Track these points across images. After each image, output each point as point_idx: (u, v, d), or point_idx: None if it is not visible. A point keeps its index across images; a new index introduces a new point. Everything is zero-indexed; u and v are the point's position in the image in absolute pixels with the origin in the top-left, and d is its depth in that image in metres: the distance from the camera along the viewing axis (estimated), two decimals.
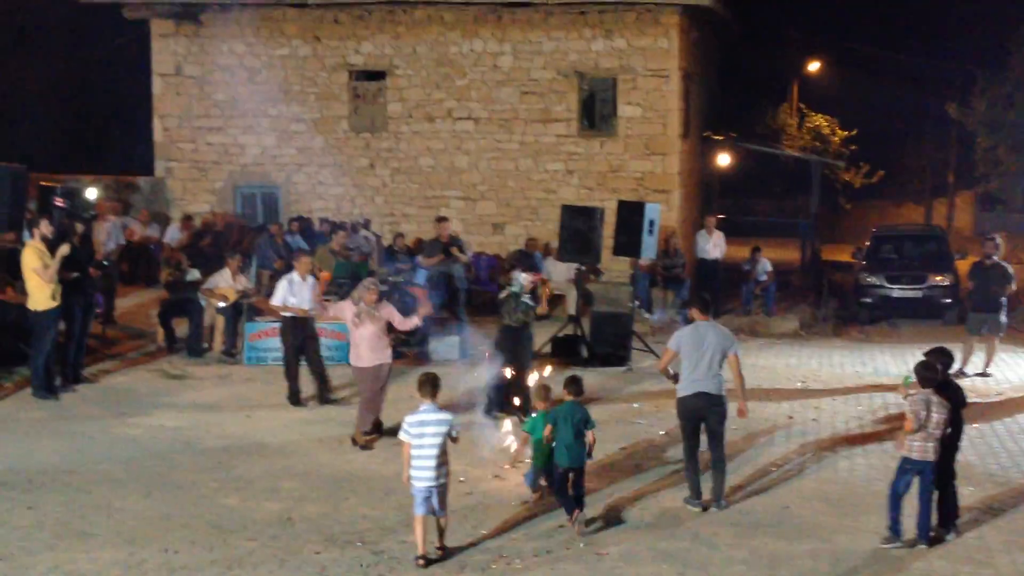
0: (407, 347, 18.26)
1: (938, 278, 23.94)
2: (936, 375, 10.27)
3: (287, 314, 15.08)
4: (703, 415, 11.40)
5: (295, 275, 15.19)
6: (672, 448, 13.23)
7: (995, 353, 18.13)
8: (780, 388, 16.88)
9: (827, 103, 42.47)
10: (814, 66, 43.57)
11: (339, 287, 18.32)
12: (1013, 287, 18.06)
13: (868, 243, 26.25)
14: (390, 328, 13.60)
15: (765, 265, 23.87)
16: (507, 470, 12.27)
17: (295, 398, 15.29)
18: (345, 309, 13.48)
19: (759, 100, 41.84)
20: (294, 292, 15.02)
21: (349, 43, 25.02)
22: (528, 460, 11.59)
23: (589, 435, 10.85)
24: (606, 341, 18.19)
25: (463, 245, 19.32)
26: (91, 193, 18.87)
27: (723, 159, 31.23)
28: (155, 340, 18.52)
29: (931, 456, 10.15)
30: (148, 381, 16.56)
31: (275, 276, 21.04)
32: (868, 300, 24.15)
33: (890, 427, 14.02)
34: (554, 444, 10.83)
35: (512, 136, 24.57)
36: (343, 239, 19.48)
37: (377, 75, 25.12)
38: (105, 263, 18.02)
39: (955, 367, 17.57)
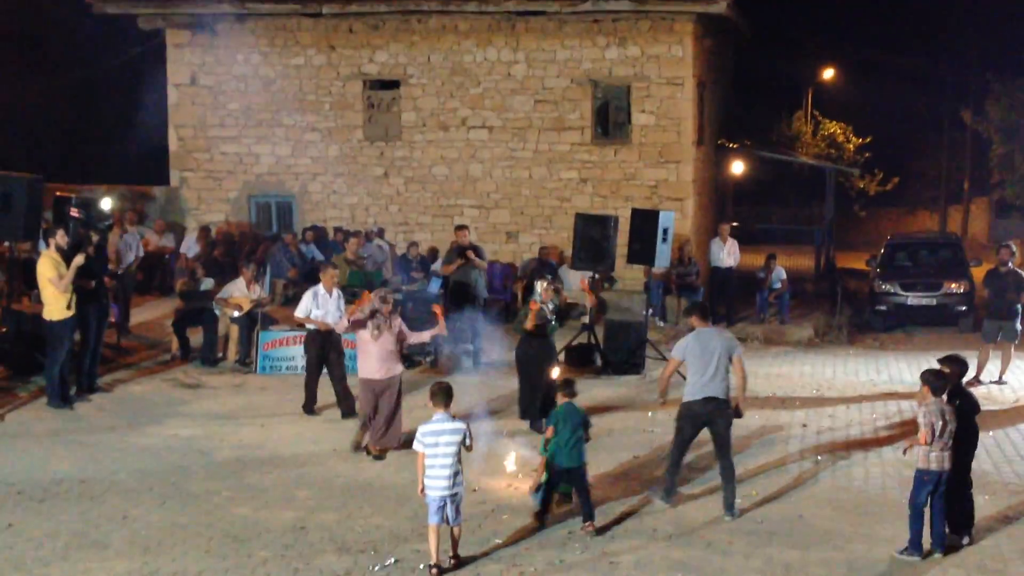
0: (421, 356, 18.28)
1: (953, 285, 23.86)
2: (946, 382, 10.24)
3: (311, 326, 15.04)
4: (709, 420, 11.46)
5: (320, 288, 15.09)
6: (687, 457, 13.20)
7: (1011, 360, 18.06)
8: (795, 396, 16.85)
9: (841, 110, 42.42)
10: (828, 73, 43.52)
11: (352, 296, 18.32)
12: None
13: (883, 250, 26.16)
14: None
15: (780, 273, 23.83)
16: (520, 479, 12.25)
17: (310, 408, 15.25)
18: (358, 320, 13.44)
19: (773, 108, 41.78)
20: (319, 304, 14.95)
21: (363, 52, 25.08)
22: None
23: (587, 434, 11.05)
24: (620, 349, 18.19)
25: (482, 252, 19.35)
26: (106, 203, 18.91)
27: (737, 167, 31.21)
28: (170, 349, 18.56)
29: (947, 465, 10.11)
30: (162, 390, 16.60)
31: (289, 285, 21.16)
32: (883, 308, 24.08)
33: (904, 434, 13.95)
34: (553, 445, 10.97)
35: (526, 144, 24.59)
36: (355, 246, 19.49)
37: (391, 84, 25.17)
38: (119, 272, 18.06)
39: (970, 375, 17.66)
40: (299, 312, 15.13)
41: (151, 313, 20.09)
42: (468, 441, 9.94)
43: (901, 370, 19.02)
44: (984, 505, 11.47)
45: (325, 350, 14.99)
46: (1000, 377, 17.82)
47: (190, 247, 23.49)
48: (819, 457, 13.46)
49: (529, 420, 14.38)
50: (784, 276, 23.92)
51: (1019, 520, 11.27)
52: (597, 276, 19.72)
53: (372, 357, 13.16)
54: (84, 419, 14.80)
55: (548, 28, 24.27)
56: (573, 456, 10.87)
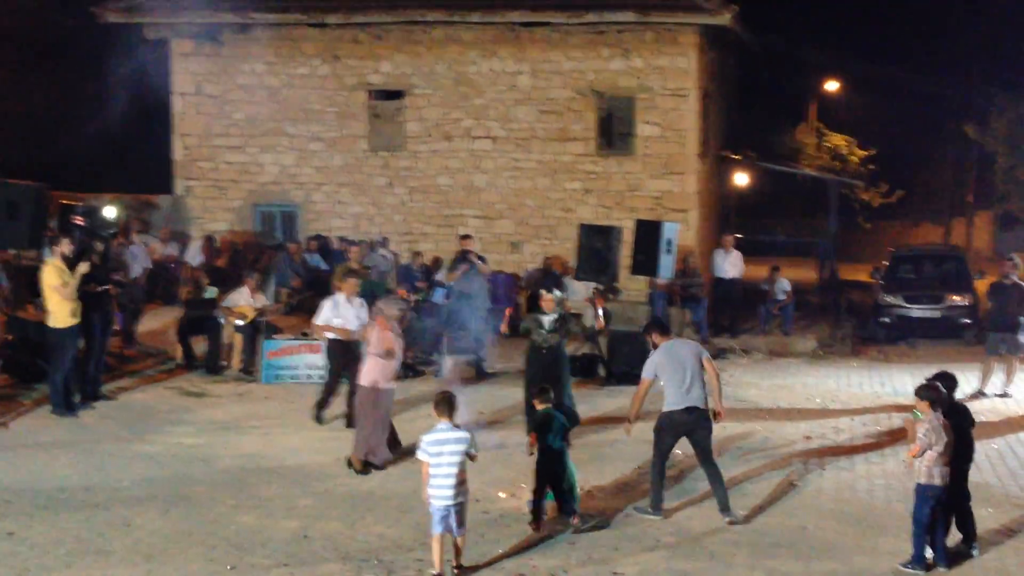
0: (425, 365, 18.28)
1: (957, 298, 23.87)
2: (943, 396, 10.24)
3: (330, 335, 15.02)
4: (690, 429, 11.54)
5: (340, 296, 15.01)
6: (691, 470, 13.21)
7: (1015, 373, 18.02)
8: (798, 407, 16.85)
9: (846, 123, 42.47)
10: (832, 86, 43.55)
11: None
12: None
13: (886, 263, 26.18)
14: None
15: (784, 284, 23.83)
16: (523, 489, 12.24)
17: (319, 415, 15.09)
18: (369, 330, 13.41)
19: (777, 119, 41.83)
20: (339, 313, 14.85)
21: (368, 63, 25.13)
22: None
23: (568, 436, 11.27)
24: (624, 360, 18.17)
25: (485, 260, 19.40)
26: (110, 212, 19.00)
27: (741, 178, 31.27)
28: (174, 357, 18.57)
29: (948, 479, 10.11)
30: (166, 398, 16.61)
31: (293, 294, 21.18)
32: (886, 320, 24.08)
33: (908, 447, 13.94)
34: (533, 452, 11.16)
35: (530, 155, 24.62)
36: (357, 254, 19.51)
37: (396, 94, 25.22)
38: (123, 281, 18.08)
39: (975, 388, 17.68)
40: (318, 319, 15.04)
41: (155, 322, 20.10)
42: (472, 451, 9.94)
43: (905, 382, 18.96)
44: (988, 518, 11.45)
45: (345, 360, 14.74)
46: (1004, 390, 17.79)
47: (194, 256, 23.51)
48: (823, 469, 13.44)
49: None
50: (788, 288, 23.93)
51: (1023, 533, 11.24)
52: (601, 287, 19.72)
53: (377, 363, 13.13)
54: (88, 427, 14.81)
55: (552, 39, 24.32)
56: (556, 460, 11.05)
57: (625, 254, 19.41)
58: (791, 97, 43.37)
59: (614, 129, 24.61)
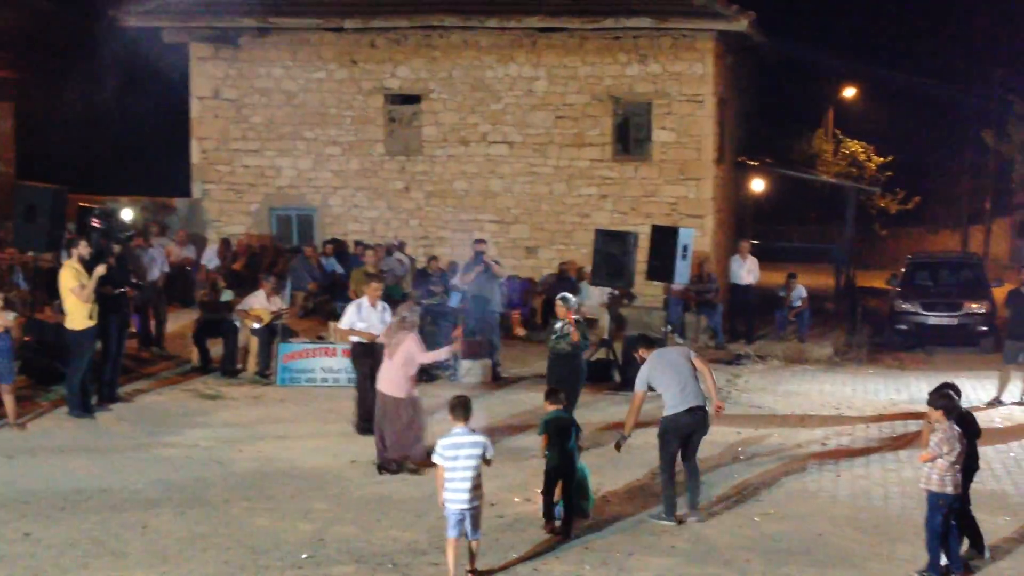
0: (441, 369, 18.30)
1: (974, 306, 23.80)
2: (955, 403, 10.24)
3: (355, 339, 15.00)
4: (693, 430, 11.66)
5: (365, 300, 14.95)
6: (707, 474, 13.20)
7: None
8: (814, 414, 16.81)
9: (863, 129, 42.38)
10: (850, 92, 43.49)
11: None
12: None
13: (903, 270, 26.12)
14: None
15: (800, 291, 23.78)
16: (537, 493, 12.24)
17: (363, 426, 14.54)
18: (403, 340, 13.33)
19: (794, 126, 41.80)
20: (363, 317, 14.78)
21: (385, 67, 25.18)
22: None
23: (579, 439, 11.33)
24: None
25: (500, 263, 19.44)
26: (127, 214, 19.04)
27: (757, 184, 31.21)
28: (190, 360, 18.62)
29: (960, 488, 10.10)
30: (182, 401, 16.65)
31: (309, 298, 21.22)
32: (903, 327, 24.03)
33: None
34: (547, 453, 11.19)
35: (546, 160, 24.63)
36: (373, 258, 19.53)
37: (412, 99, 25.26)
38: (140, 283, 18.14)
39: (992, 396, 17.63)
40: (343, 324, 15.05)
41: (171, 324, 20.13)
42: (488, 455, 9.95)
43: (921, 390, 18.86)
44: (1004, 526, 11.44)
45: (371, 364, 14.52)
46: (1021, 397, 17.73)
47: (211, 259, 23.57)
48: (838, 476, 13.42)
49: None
50: (804, 294, 23.87)
51: None
52: (616, 292, 19.72)
53: (399, 368, 13.11)
54: (104, 429, 14.85)
55: (569, 44, 24.33)
56: (567, 463, 11.10)
57: (641, 259, 19.39)
58: (808, 103, 43.32)
59: (630, 135, 24.62)
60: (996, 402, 17.53)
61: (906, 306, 24.13)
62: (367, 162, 25.34)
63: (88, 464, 13.16)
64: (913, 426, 15.99)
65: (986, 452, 13.91)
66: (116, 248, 16.29)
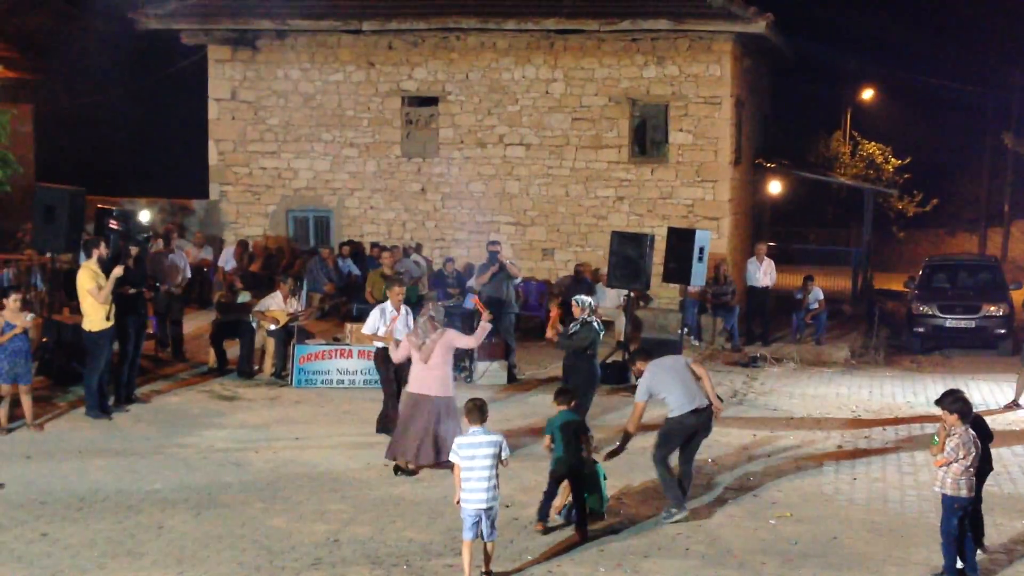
0: (457, 371, 18.30)
1: (992, 308, 23.69)
2: (970, 407, 10.22)
3: (380, 344, 14.94)
4: (697, 430, 11.83)
5: (388, 305, 14.89)
6: (722, 476, 13.19)
7: None
8: (830, 417, 16.77)
9: (880, 131, 42.20)
10: (867, 94, 43.33)
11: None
12: None
13: (921, 272, 26.02)
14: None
15: (817, 294, 23.70)
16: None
17: (387, 428, 14.54)
18: (406, 343, 13.34)
19: (811, 128, 41.64)
20: (386, 322, 14.74)
21: (402, 69, 25.22)
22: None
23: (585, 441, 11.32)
24: None
25: (516, 264, 19.45)
26: (144, 216, 19.09)
27: (774, 186, 31.14)
28: (206, 361, 18.68)
29: (974, 491, 10.09)
30: (199, 402, 16.71)
31: (325, 299, 21.26)
32: (920, 330, 23.94)
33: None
34: (553, 453, 11.25)
35: (563, 162, 24.64)
36: (390, 260, 19.56)
37: (430, 101, 25.30)
38: (157, 285, 18.20)
39: (1010, 399, 17.56)
40: (367, 329, 14.97)
41: (188, 326, 20.21)
42: (504, 455, 9.96)
43: (938, 393, 18.75)
44: (1022, 529, 11.38)
45: (395, 367, 14.51)
46: None
47: (228, 260, 23.65)
48: (854, 479, 13.39)
49: None
50: (821, 297, 23.80)
51: None
52: (633, 294, 19.71)
53: (430, 371, 13.12)
54: (121, 429, 14.92)
55: (586, 46, 24.34)
56: (572, 464, 11.13)
57: (657, 262, 19.39)
58: (826, 105, 43.16)
59: (647, 137, 24.62)
60: (1014, 405, 17.45)
61: (924, 308, 24.05)
62: (384, 164, 25.39)
63: (105, 465, 13.23)
64: (930, 429, 15.92)
65: (1003, 455, 13.92)
66: (134, 250, 16.35)
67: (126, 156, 30.99)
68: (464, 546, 9.79)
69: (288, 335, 18.16)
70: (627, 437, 11.98)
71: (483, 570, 9.91)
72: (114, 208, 18.30)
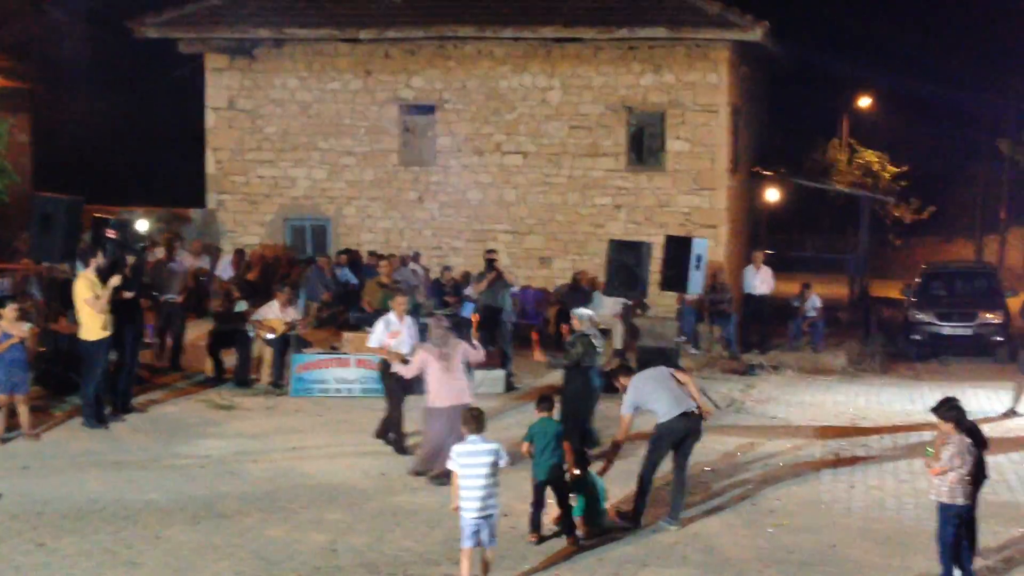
0: None
1: (989, 315, 23.71)
2: (965, 415, 10.21)
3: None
4: (687, 434, 11.83)
5: (392, 316, 14.75)
6: (719, 483, 13.18)
7: None
8: (828, 425, 16.76)
9: (877, 139, 42.23)
10: (864, 102, 43.36)
11: None
12: None
13: (918, 280, 26.04)
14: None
15: (815, 301, 23.72)
16: (551, 504, 12.23)
17: (399, 447, 14.47)
18: (426, 356, 13.27)
19: (808, 135, 41.67)
20: (391, 333, 14.62)
21: (400, 77, 25.24)
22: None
23: (565, 447, 11.30)
24: None
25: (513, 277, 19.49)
26: (142, 225, 19.05)
27: (772, 194, 31.17)
28: (203, 371, 18.66)
29: (971, 498, 10.08)
30: (196, 411, 16.69)
31: (323, 308, 21.24)
32: (918, 337, 23.96)
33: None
34: (533, 460, 11.24)
35: (560, 170, 24.66)
36: (388, 269, 19.55)
37: (427, 109, 25.32)
38: (156, 295, 18.19)
39: (1007, 406, 17.56)
40: (371, 342, 14.80)
41: (186, 335, 20.18)
42: (502, 462, 9.95)
43: (936, 400, 18.78)
44: (1019, 537, 11.38)
45: (401, 379, 14.35)
46: None
47: (225, 269, 23.63)
48: (852, 487, 13.39)
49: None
50: (819, 304, 23.82)
51: None
52: (630, 303, 19.71)
53: (442, 384, 13.08)
54: (118, 439, 14.90)
55: (583, 54, 24.37)
56: (551, 469, 11.12)
57: (654, 270, 19.39)
58: (823, 113, 43.18)
59: (644, 144, 24.66)
60: (1011, 413, 17.44)
61: (921, 316, 24.06)
62: (381, 172, 25.40)
63: (102, 474, 13.21)
64: (927, 437, 15.91)
65: (1000, 463, 13.90)
66: (131, 259, 16.34)
67: (123, 165, 31.00)
68: (463, 554, 9.78)
69: (285, 344, 18.15)
70: (616, 446, 12.06)
71: None
72: (111, 217, 18.28)
